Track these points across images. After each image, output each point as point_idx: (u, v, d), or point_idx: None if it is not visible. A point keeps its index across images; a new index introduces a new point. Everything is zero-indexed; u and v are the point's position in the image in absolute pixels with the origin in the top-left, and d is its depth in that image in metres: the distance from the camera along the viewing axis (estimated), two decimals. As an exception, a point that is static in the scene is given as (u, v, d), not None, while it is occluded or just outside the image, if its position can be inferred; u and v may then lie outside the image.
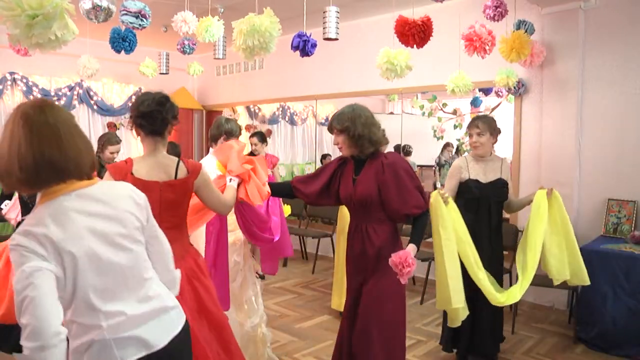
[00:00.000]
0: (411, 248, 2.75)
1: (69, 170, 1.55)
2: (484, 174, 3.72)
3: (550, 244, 3.55)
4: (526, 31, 4.67)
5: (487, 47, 4.44)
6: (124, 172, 2.35)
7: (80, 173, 1.59)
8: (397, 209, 2.79)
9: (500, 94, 6.28)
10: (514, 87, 5.24)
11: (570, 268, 3.60)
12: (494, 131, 3.72)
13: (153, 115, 2.40)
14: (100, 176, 4.77)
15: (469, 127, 3.83)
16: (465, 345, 3.86)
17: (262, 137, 6.47)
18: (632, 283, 4.18)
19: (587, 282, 3.64)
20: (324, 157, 8.13)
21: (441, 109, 7.20)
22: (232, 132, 3.66)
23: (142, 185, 2.19)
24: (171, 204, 2.39)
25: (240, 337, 3.42)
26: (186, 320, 1.80)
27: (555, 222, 3.58)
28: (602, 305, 4.29)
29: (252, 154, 6.37)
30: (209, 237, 3.09)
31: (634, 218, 4.79)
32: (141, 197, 1.75)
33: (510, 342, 4.51)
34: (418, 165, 7.84)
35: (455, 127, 7.11)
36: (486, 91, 6.52)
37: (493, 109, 6.73)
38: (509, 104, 5.91)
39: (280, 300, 5.52)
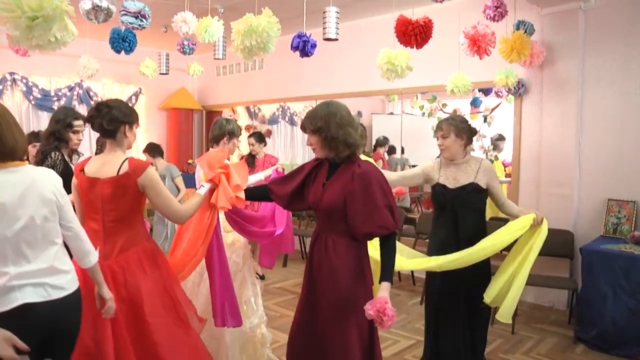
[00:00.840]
0: (385, 288, 2.44)
1: (4, 153, 2.01)
2: (454, 179, 3.39)
3: (505, 269, 3.37)
4: (526, 31, 4.68)
5: (489, 49, 4.44)
6: (77, 169, 2.67)
7: (14, 156, 2.04)
8: (359, 226, 2.48)
9: (500, 94, 6.28)
10: (514, 88, 5.24)
11: (504, 300, 3.25)
12: (461, 132, 3.35)
13: (91, 120, 2.62)
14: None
15: (435, 129, 3.49)
16: None
17: (260, 137, 6.47)
18: (632, 283, 4.18)
19: (506, 319, 3.25)
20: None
21: (441, 109, 7.20)
22: (234, 133, 3.66)
23: (86, 181, 2.58)
24: (110, 199, 2.55)
25: (238, 338, 3.44)
26: (78, 288, 2.18)
27: (521, 251, 3.34)
28: (602, 306, 4.29)
29: (251, 154, 6.38)
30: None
31: (634, 218, 4.79)
32: (55, 191, 2.12)
33: (510, 342, 4.51)
34: (414, 166, 7.83)
35: (455, 127, 7.12)
36: (486, 91, 6.52)
37: (493, 109, 6.73)
38: (509, 104, 5.91)
39: (280, 301, 5.52)
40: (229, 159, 3.17)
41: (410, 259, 3.43)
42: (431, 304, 3.56)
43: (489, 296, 3.27)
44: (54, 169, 3.09)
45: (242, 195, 2.88)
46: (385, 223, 2.46)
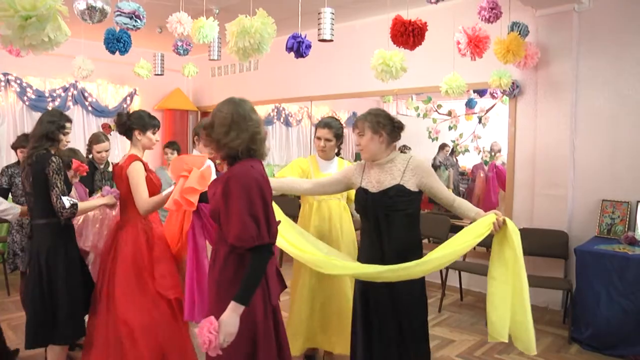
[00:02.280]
0: (230, 308, 2.13)
1: None
2: (377, 182, 2.91)
3: (493, 293, 2.73)
4: (520, 33, 4.69)
5: (481, 49, 4.46)
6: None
7: None
8: (226, 235, 2.24)
9: (495, 95, 6.29)
10: (509, 89, 5.25)
11: (512, 327, 2.77)
12: (379, 128, 2.88)
13: (116, 126, 3.45)
14: (93, 175, 4.75)
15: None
16: None
17: None
18: (626, 283, 4.19)
19: (533, 351, 2.79)
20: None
21: (436, 111, 7.20)
22: (196, 133, 4.13)
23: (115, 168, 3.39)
24: (115, 183, 3.40)
25: None
26: None
27: (505, 264, 2.71)
28: (596, 306, 4.30)
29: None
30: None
31: (628, 219, 4.81)
32: None
33: (505, 342, 4.50)
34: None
35: (450, 128, 7.11)
36: (481, 92, 6.52)
37: (487, 110, 6.74)
38: (504, 105, 5.92)
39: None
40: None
41: (343, 262, 2.93)
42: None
43: (498, 333, 2.75)
44: (59, 172, 3.27)
45: (193, 199, 2.87)
46: (243, 234, 2.15)
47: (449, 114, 7.14)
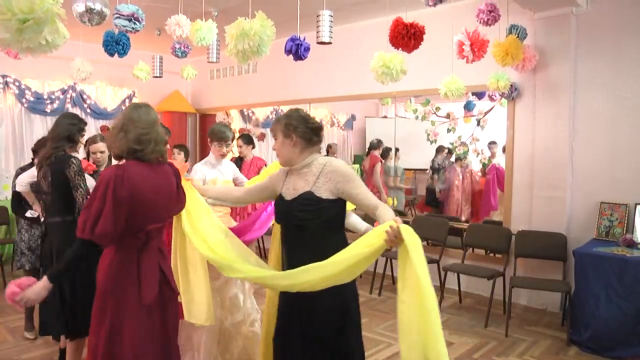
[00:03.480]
0: (42, 281, 2.31)
1: None
2: (293, 188, 2.65)
3: (401, 320, 2.28)
4: (518, 36, 4.69)
5: (482, 51, 4.44)
6: None
7: None
8: None
9: (494, 97, 6.29)
10: (507, 91, 5.25)
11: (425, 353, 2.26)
12: (290, 131, 2.64)
13: None
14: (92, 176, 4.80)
15: None
16: None
17: (248, 139, 6.46)
18: (624, 285, 4.19)
19: None
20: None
21: (434, 113, 7.20)
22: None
23: None
24: None
25: (218, 333, 3.50)
26: None
27: (409, 284, 2.25)
28: (594, 308, 4.30)
29: (239, 156, 6.37)
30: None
31: (626, 221, 4.80)
32: None
33: (504, 344, 4.50)
34: (409, 169, 7.85)
35: (448, 130, 7.12)
36: (479, 95, 6.53)
37: (486, 113, 6.75)
38: (503, 108, 5.92)
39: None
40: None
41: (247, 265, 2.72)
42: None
43: None
44: (81, 173, 3.40)
45: None
46: (79, 224, 2.31)
47: (448, 116, 7.15)
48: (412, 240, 2.19)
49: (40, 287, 2.29)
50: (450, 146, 7.23)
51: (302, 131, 2.61)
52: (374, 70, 4.27)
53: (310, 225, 2.53)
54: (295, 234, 2.60)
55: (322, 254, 2.36)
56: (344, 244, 2.45)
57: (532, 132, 5.35)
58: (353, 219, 2.99)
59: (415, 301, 2.22)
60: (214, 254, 2.74)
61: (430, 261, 5.53)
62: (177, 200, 2.69)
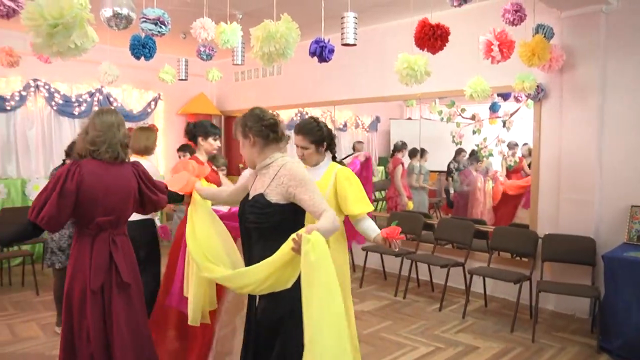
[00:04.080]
0: None
1: None
2: (254, 189, 2.66)
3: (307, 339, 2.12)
4: (545, 35, 4.61)
5: (505, 51, 4.37)
6: None
7: None
8: None
9: (520, 99, 6.22)
10: (533, 92, 5.18)
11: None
12: (247, 131, 2.64)
13: None
14: None
15: None
16: None
17: None
18: (657, 292, 4.10)
19: None
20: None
21: (460, 115, 7.15)
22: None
23: None
24: None
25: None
26: None
27: (311, 289, 2.13)
28: (626, 314, 4.20)
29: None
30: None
31: (658, 225, 4.71)
32: None
33: (530, 350, 4.44)
34: (434, 171, 7.80)
35: (474, 132, 7.05)
36: (505, 96, 6.46)
37: (512, 114, 6.67)
38: (529, 109, 5.85)
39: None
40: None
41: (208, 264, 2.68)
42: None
43: None
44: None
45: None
46: (30, 208, 2.72)
47: (473, 118, 7.08)
48: (313, 246, 2.10)
49: None
50: (476, 148, 7.16)
51: (257, 130, 2.61)
52: (398, 72, 4.26)
53: (256, 229, 2.53)
54: (247, 235, 2.61)
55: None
56: None
57: (558, 134, 5.28)
58: (366, 225, 3.00)
59: (320, 315, 2.11)
60: (199, 251, 2.74)
61: (455, 264, 5.52)
62: (137, 197, 2.98)
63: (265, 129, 2.60)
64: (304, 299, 2.12)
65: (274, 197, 2.50)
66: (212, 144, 4.13)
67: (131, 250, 2.98)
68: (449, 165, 7.49)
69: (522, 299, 5.01)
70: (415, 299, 5.86)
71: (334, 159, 3.30)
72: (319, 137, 3.18)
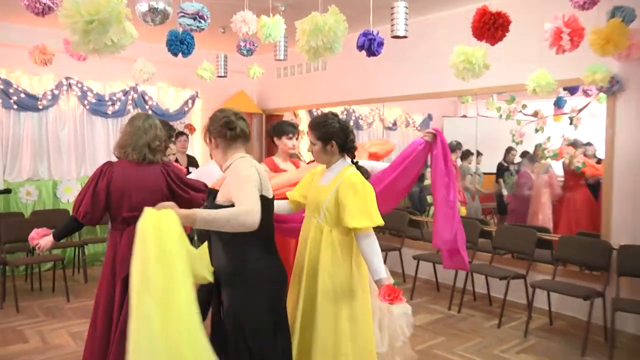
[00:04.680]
0: (50, 237, 3.37)
1: None
2: None
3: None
4: (623, 19, 4.34)
5: (575, 39, 4.17)
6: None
7: None
8: None
9: (590, 92, 6.04)
10: (607, 85, 4.99)
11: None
12: (209, 133, 2.82)
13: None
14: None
15: None
16: None
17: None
18: None
19: None
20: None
21: (520, 111, 7.00)
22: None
23: None
24: None
25: None
26: None
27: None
28: None
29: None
30: None
31: None
32: None
33: (603, 372, 4.31)
34: (491, 174, 7.65)
35: (536, 130, 6.89)
36: (571, 90, 6.28)
37: (580, 110, 6.49)
38: (600, 104, 5.67)
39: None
40: None
41: None
42: None
43: None
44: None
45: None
46: (73, 204, 3.37)
47: (535, 114, 6.92)
48: (140, 226, 2.10)
49: (49, 239, 3.31)
50: (539, 147, 6.99)
51: (216, 130, 2.76)
52: (454, 66, 4.19)
53: (212, 232, 2.68)
54: (207, 238, 2.80)
55: (221, 267, 2.66)
56: (245, 258, 2.63)
57: (636, 132, 5.09)
58: (367, 249, 2.86)
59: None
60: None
61: (515, 276, 5.40)
62: (166, 195, 3.34)
63: (222, 128, 2.75)
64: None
65: (220, 199, 2.68)
66: (287, 143, 4.23)
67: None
68: (498, 165, 7.34)
69: (594, 318, 4.84)
70: (471, 313, 5.77)
71: (354, 162, 3.13)
72: (324, 134, 3.06)
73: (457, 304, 5.89)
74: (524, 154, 7.13)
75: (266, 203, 2.59)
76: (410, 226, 7.16)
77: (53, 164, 7.68)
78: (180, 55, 4.92)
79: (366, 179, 3.02)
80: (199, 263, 2.57)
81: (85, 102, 7.84)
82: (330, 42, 3.52)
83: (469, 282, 6.04)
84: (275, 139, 4.28)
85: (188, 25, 4.18)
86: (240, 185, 2.50)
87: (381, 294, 2.66)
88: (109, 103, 8.06)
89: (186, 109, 8.87)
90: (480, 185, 7.61)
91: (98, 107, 7.95)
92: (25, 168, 7.47)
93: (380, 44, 4.21)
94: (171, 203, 2.27)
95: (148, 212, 2.14)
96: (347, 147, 3.09)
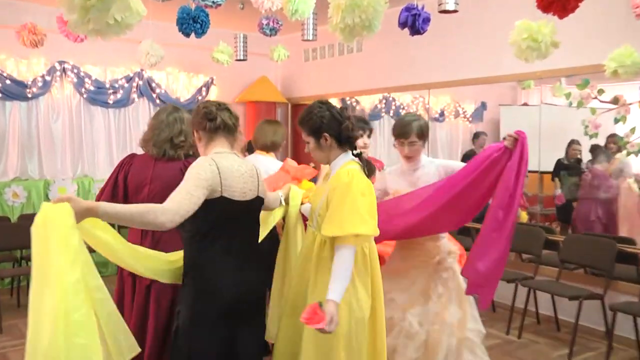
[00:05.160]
0: None
1: None
2: None
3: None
4: None
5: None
6: None
7: None
8: None
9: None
10: None
11: None
12: (194, 126, 3.13)
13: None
14: None
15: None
16: None
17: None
18: None
19: None
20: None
21: (595, 97, 6.89)
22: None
23: None
24: None
25: None
26: None
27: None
28: None
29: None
30: None
31: None
32: None
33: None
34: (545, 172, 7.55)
35: (616, 120, 6.76)
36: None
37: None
38: None
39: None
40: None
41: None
42: None
43: None
44: None
45: None
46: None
47: (615, 101, 6.80)
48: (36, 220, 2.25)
49: None
50: (620, 141, 6.86)
51: (197, 122, 3.02)
52: (515, 44, 4.12)
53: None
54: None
55: (184, 258, 2.97)
56: (196, 255, 2.90)
57: None
58: (335, 263, 2.88)
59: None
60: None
61: (589, 296, 5.29)
62: None
63: (202, 120, 2.97)
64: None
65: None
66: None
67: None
68: (556, 162, 7.21)
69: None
70: (534, 339, 5.69)
71: (355, 154, 3.11)
72: (312, 126, 3.05)
73: (516, 327, 5.82)
74: (594, 148, 7.00)
75: (226, 204, 2.82)
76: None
77: (44, 161, 7.75)
78: (193, 35, 4.94)
79: (370, 174, 3.02)
80: (153, 261, 2.96)
81: (83, 90, 7.93)
82: (369, 19, 3.49)
83: (531, 302, 5.96)
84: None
85: (202, 0, 4.19)
86: (182, 182, 2.75)
87: (304, 312, 2.70)
88: (110, 91, 8.15)
89: (199, 97, 8.94)
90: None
91: (97, 96, 8.04)
92: (12, 166, 7.58)
93: (426, 20, 4.17)
94: (69, 196, 2.35)
95: (43, 205, 2.28)
96: (342, 137, 3.04)
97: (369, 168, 3.06)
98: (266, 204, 3.21)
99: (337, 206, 2.84)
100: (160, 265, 2.97)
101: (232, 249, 2.90)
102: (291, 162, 4.19)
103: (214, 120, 2.93)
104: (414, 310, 3.66)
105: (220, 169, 2.80)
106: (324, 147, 3.05)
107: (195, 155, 3.36)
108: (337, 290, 2.76)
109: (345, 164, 3.01)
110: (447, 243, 3.79)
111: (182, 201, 2.63)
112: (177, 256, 3.00)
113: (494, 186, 3.50)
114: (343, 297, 2.80)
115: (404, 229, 3.62)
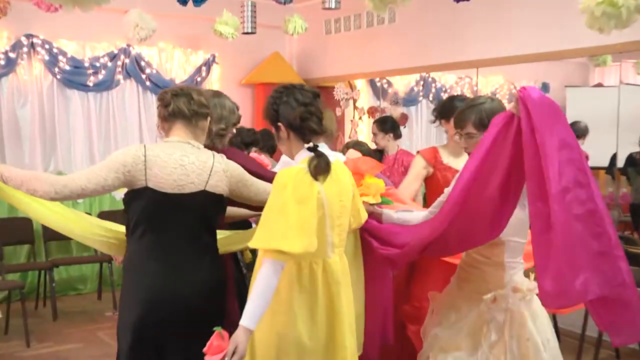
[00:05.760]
0: None
1: None
2: None
3: None
4: None
5: None
6: None
7: None
8: None
9: None
10: None
11: None
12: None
13: None
14: None
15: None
16: None
17: (385, 124, 6.53)
18: None
19: None
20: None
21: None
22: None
23: None
24: None
25: None
26: None
27: None
28: None
29: (377, 149, 6.42)
30: None
31: None
32: None
33: None
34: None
35: None
36: None
37: None
38: None
39: None
40: None
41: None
42: None
43: None
44: None
45: None
46: None
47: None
48: None
49: None
50: None
51: (157, 109, 3.36)
52: (587, 10, 4.08)
53: None
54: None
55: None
56: (131, 250, 3.24)
57: None
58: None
59: None
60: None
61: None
62: None
63: (159, 107, 3.28)
64: None
65: None
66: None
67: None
68: (629, 156, 7.15)
69: None
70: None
71: (313, 149, 2.96)
72: (268, 114, 3.09)
73: (590, 360, 5.76)
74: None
75: (153, 195, 3.05)
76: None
77: (8, 153, 7.70)
78: (190, 3, 4.94)
79: (324, 171, 2.87)
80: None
81: (56, 69, 7.89)
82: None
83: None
84: (443, 122, 4.42)
85: (203, -41, 4.19)
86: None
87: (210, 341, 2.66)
88: (90, 71, 8.11)
89: (199, 78, 8.91)
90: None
91: (74, 77, 8.02)
92: (-33, 161, 7.53)
93: (476, -17, 4.16)
94: None
95: None
96: (294, 126, 2.99)
97: (321, 166, 2.88)
98: (245, 197, 3.35)
99: (266, 212, 2.82)
100: (93, 229, 3.44)
101: (163, 246, 3.12)
102: (353, 153, 4.05)
103: (167, 107, 3.19)
104: (458, 354, 3.40)
105: (147, 157, 3.05)
106: (283, 139, 3.06)
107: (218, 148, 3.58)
108: (250, 314, 2.73)
109: (305, 160, 2.92)
110: (520, 276, 3.38)
111: (80, 176, 3.03)
112: (118, 227, 3.42)
113: (511, 172, 2.94)
114: (272, 325, 2.85)
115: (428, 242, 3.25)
